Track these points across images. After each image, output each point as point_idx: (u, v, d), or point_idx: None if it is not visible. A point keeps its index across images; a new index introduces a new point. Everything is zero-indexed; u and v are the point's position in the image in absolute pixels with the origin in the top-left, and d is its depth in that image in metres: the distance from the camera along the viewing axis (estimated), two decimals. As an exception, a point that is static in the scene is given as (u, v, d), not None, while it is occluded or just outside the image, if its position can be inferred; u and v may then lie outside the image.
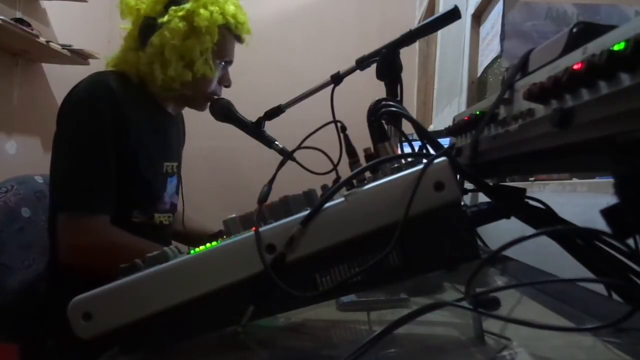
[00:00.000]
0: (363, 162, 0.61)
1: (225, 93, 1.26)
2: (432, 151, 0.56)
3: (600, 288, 0.61)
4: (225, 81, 1.26)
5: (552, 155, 0.50)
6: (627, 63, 0.33)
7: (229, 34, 1.21)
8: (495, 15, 1.58)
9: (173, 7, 1.13)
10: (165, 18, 1.12)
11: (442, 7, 2.42)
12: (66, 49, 2.42)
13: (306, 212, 0.48)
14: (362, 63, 0.95)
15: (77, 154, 1.05)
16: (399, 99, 0.89)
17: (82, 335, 0.48)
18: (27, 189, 1.22)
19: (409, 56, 3.12)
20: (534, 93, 0.44)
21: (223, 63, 1.23)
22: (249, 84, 2.62)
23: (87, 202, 1.03)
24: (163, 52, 1.12)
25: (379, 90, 0.87)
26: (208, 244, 0.50)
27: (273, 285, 0.47)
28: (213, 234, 1.32)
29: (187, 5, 1.13)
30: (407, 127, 0.65)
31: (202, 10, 1.12)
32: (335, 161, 0.90)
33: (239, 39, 1.25)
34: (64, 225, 1.04)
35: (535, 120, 0.46)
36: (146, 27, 1.14)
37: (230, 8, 1.18)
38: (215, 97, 1.23)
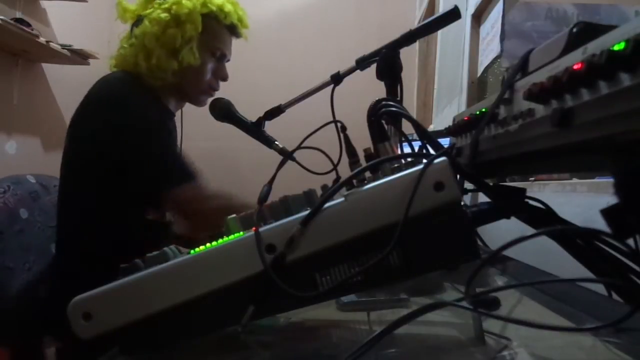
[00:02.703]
0: (363, 162, 0.61)
1: (226, 93, 1.26)
2: (432, 151, 0.56)
3: (600, 288, 0.61)
4: (221, 75, 1.26)
5: (552, 155, 0.50)
6: (627, 63, 0.33)
7: (217, 25, 1.21)
8: (495, 15, 1.58)
9: (157, 1, 1.17)
10: (149, 10, 1.16)
11: (442, 7, 2.42)
12: (66, 49, 2.42)
13: (306, 212, 0.48)
14: (362, 63, 0.95)
15: (148, 140, 1.13)
16: (399, 99, 0.89)
17: (82, 336, 0.48)
18: (23, 190, 1.21)
19: (409, 56, 3.12)
20: (534, 93, 0.44)
21: (215, 56, 1.24)
22: (249, 83, 2.62)
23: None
24: (144, 42, 1.15)
25: (379, 90, 0.87)
26: (208, 244, 0.50)
27: (273, 285, 0.47)
28: (213, 234, 1.32)
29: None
30: (407, 127, 0.65)
31: (184, 1, 1.15)
32: (335, 161, 0.90)
33: (234, 32, 1.25)
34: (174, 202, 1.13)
35: (535, 120, 0.46)
36: (135, 24, 1.18)
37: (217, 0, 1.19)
38: (214, 91, 1.24)
